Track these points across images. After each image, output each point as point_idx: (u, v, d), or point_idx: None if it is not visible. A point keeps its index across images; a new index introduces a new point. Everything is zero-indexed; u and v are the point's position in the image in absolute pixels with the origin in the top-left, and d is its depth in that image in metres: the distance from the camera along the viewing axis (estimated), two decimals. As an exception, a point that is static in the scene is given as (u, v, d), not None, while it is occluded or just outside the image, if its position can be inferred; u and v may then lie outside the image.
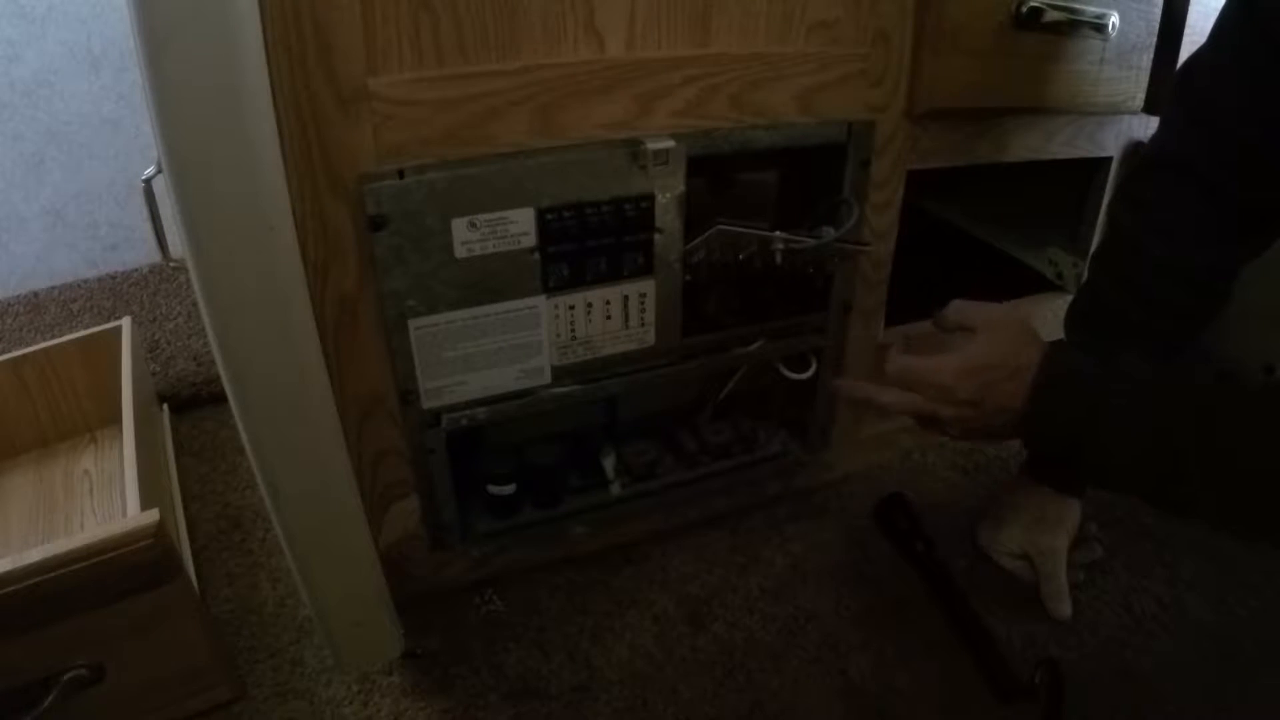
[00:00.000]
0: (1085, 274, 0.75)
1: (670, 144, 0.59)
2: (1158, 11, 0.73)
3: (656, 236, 0.63)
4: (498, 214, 0.57)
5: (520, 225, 0.58)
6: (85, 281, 1.28)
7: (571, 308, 0.63)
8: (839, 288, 0.73)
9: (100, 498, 0.85)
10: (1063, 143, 0.79)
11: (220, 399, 0.93)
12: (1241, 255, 0.66)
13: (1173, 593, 0.76)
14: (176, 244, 0.50)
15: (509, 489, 0.71)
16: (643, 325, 0.66)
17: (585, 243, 0.60)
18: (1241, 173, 0.62)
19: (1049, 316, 0.90)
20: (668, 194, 0.61)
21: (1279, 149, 0.60)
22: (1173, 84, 0.67)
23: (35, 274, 1.26)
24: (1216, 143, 0.62)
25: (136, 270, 1.30)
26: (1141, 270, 0.66)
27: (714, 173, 0.68)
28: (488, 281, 0.59)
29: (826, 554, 0.81)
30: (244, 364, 0.50)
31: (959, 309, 0.66)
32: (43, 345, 0.89)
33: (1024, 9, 0.66)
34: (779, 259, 0.68)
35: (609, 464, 0.77)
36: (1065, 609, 0.72)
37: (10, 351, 0.89)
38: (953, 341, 0.64)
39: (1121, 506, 0.87)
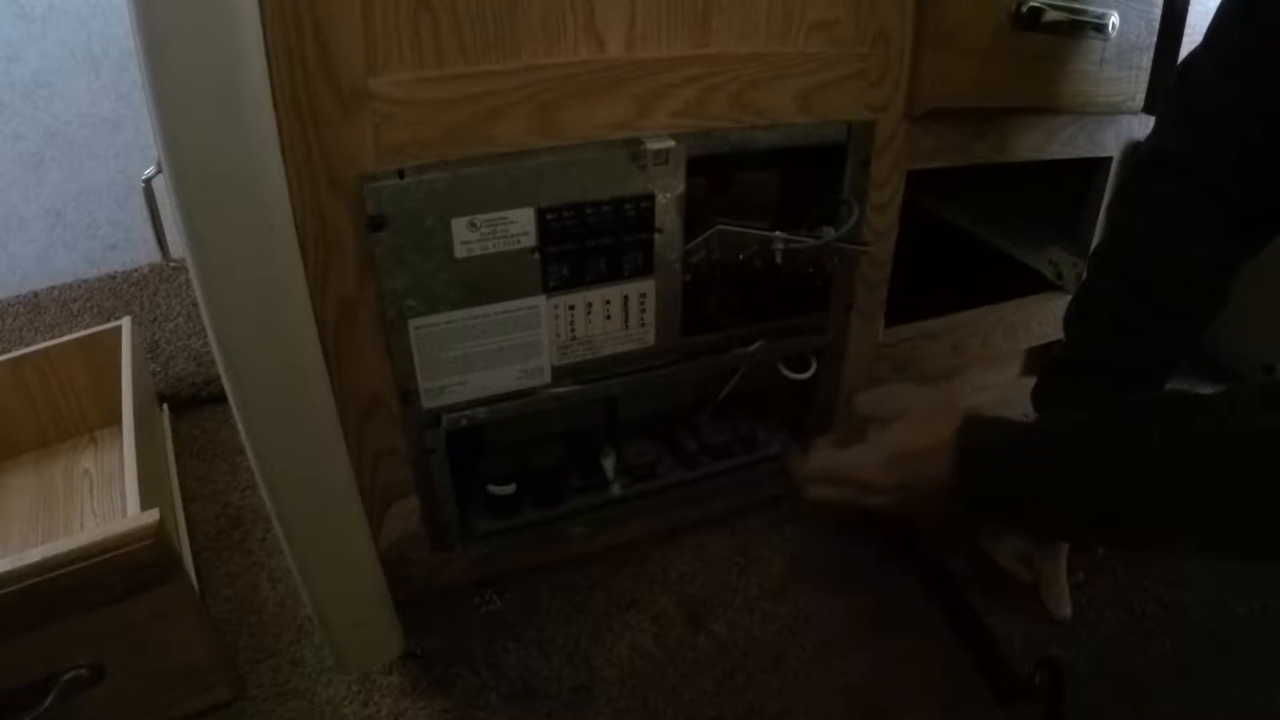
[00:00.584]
0: (1084, 274, 0.75)
1: (670, 144, 0.59)
2: (1158, 11, 0.73)
3: (656, 236, 0.63)
4: (498, 214, 0.57)
5: (520, 225, 0.58)
6: (85, 281, 1.28)
7: (571, 308, 0.63)
8: (839, 288, 0.73)
9: (100, 498, 0.85)
10: (1063, 143, 0.79)
11: (220, 399, 0.93)
12: (1241, 254, 0.66)
13: (1173, 593, 0.76)
14: (176, 244, 0.50)
15: (509, 489, 0.71)
16: (643, 325, 0.66)
17: (585, 243, 0.60)
18: (1239, 172, 0.61)
19: (1049, 316, 0.90)
20: (668, 194, 0.61)
21: (1277, 147, 0.60)
22: (1169, 83, 0.67)
23: (35, 274, 1.26)
24: (1214, 142, 0.62)
25: (136, 270, 1.30)
26: (1141, 270, 0.66)
27: (714, 173, 0.68)
28: (488, 281, 0.59)
29: (826, 554, 0.81)
30: (244, 364, 0.50)
31: (864, 403, 0.65)
32: (43, 345, 0.89)
33: (1024, 9, 0.65)
34: (779, 259, 0.68)
35: (609, 464, 0.77)
36: (1065, 609, 0.72)
37: (10, 351, 0.89)
38: (872, 430, 0.63)
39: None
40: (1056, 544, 0.72)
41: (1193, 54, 0.64)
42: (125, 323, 0.91)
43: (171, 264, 0.71)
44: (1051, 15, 0.66)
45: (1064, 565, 0.72)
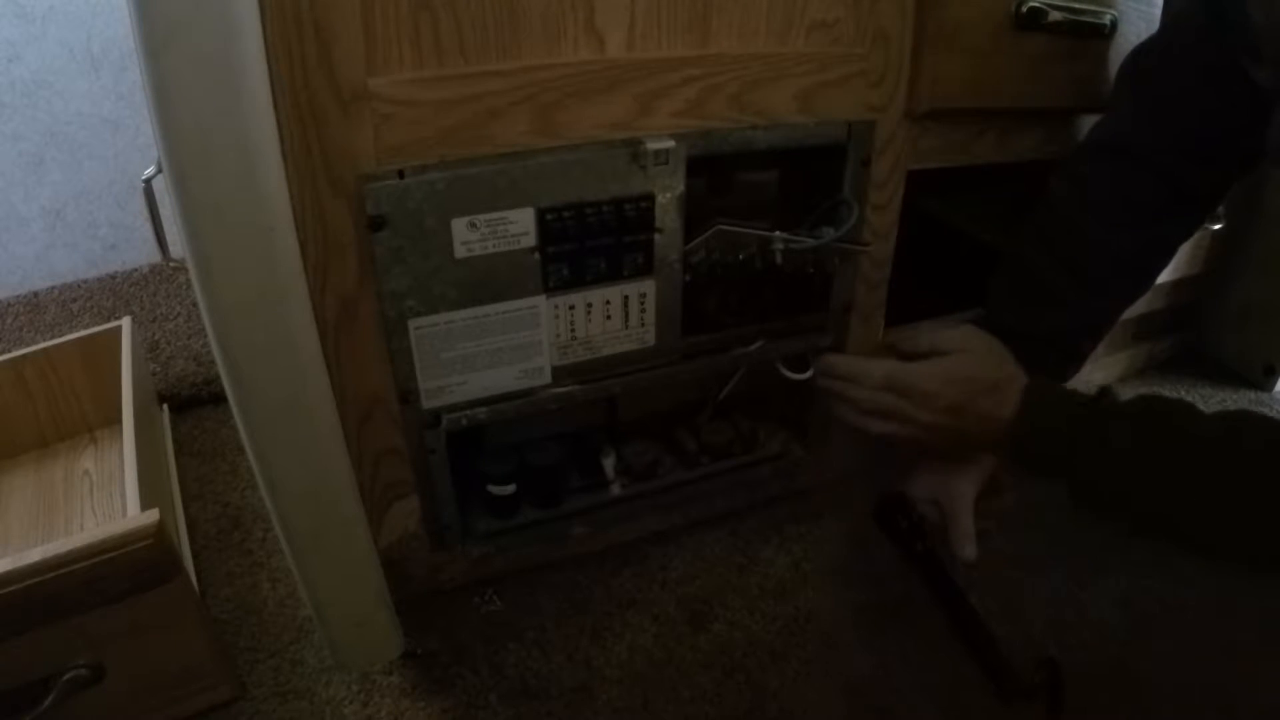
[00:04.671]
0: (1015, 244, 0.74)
1: (670, 144, 0.59)
2: (1158, 11, 0.73)
3: (656, 236, 0.63)
4: (498, 214, 0.57)
5: (520, 225, 0.58)
6: (85, 281, 1.28)
7: (571, 308, 0.63)
8: (839, 288, 0.73)
9: (100, 498, 0.85)
10: (1063, 143, 0.79)
11: (220, 399, 0.93)
12: (1175, 236, 0.67)
13: (1173, 592, 0.76)
14: (176, 244, 0.50)
15: (509, 489, 0.71)
16: (643, 325, 0.66)
17: (585, 243, 0.60)
18: (1182, 158, 0.63)
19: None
20: (668, 194, 0.61)
21: (1219, 133, 0.61)
22: (1121, 70, 0.69)
23: (35, 274, 1.26)
24: (1159, 128, 0.64)
25: (136, 270, 1.30)
26: (1076, 247, 0.68)
27: (714, 173, 0.68)
28: (488, 281, 0.59)
29: (826, 554, 0.81)
30: (244, 364, 0.50)
31: (931, 331, 0.68)
32: (43, 345, 0.89)
33: (1024, 9, 0.65)
34: (779, 259, 0.68)
35: (609, 464, 0.77)
36: (970, 552, 0.70)
37: (10, 351, 0.89)
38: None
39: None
40: (963, 488, 0.70)
41: (1146, 41, 0.65)
42: (125, 323, 0.91)
43: (171, 264, 0.71)
44: (1052, 15, 0.66)
45: (969, 508, 0.71)
